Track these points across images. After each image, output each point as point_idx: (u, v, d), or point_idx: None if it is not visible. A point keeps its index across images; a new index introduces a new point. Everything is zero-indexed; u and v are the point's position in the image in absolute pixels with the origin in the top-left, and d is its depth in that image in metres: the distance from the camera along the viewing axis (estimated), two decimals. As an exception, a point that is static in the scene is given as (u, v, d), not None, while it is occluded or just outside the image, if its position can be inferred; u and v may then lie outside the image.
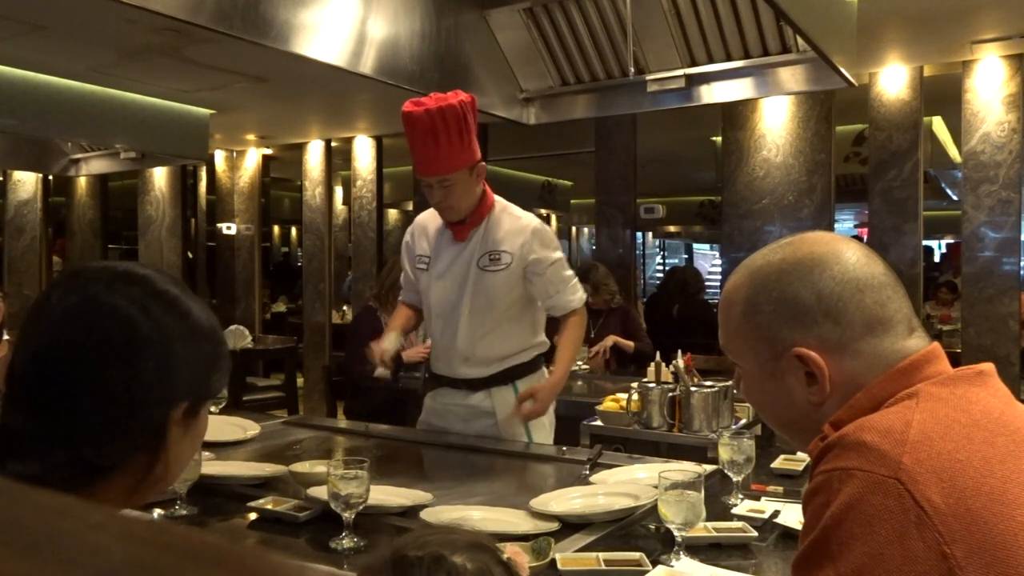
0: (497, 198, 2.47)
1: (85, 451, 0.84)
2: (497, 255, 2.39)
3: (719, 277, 6.97)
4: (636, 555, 1.46)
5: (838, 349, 0.89)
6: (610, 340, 4.30)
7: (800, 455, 2.15)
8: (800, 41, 2.99)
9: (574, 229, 12.76)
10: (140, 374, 0.85)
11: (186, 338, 0.88)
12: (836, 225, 5.53)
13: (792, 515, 1.63)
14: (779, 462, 2.14)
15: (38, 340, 0.86)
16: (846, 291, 0.90)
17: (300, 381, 6.90)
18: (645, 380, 2.78)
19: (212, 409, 2.44)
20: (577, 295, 2.47)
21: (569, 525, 1.62)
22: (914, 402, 0.84)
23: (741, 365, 0.99)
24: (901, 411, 0.83)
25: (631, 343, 4.36)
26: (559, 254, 2.45)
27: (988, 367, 0.91)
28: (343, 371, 4.45)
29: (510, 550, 1.27)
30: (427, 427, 2.59)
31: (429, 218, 2.54)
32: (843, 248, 0.93)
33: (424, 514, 1.63)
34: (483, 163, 2.37)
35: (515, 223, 2.41)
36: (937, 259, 9.50)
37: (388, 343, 2.43)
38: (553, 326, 2.59)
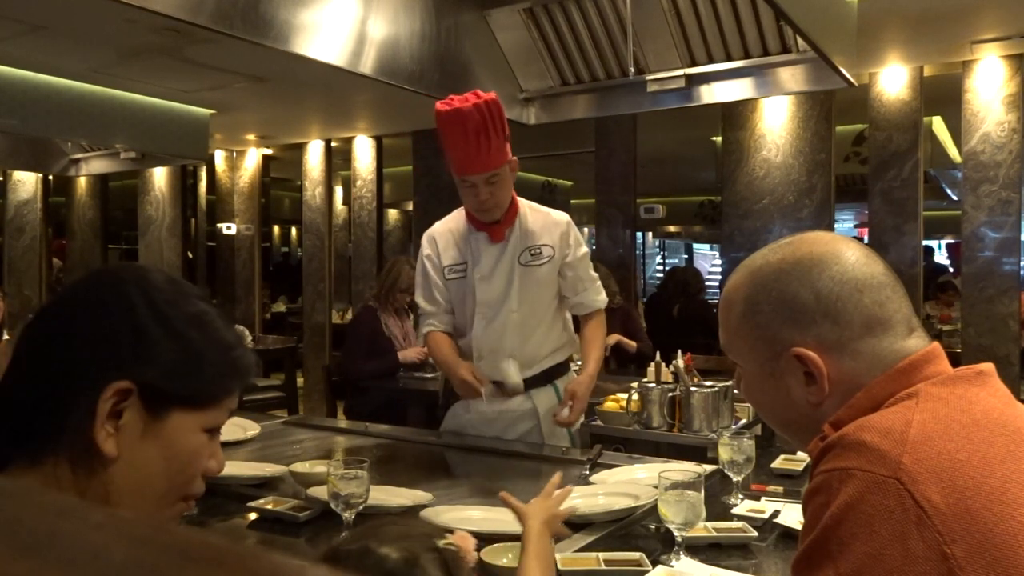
0: (516, 196, 2.49)
1: (20, 420, 0.79)
2: (538, 249, 2.41)
3: (719, 277, 6.98)
4: (636, 555, 1.46)
5: (837, 349, 0.89)
6: (613, 338, 4.30)
7: (800, 455, 2.15)
8: (800, 41, 2.99)
9: (574, 229, 12.74)
10: (85, 336, 0.80)
11: (153, 319, 0.82)
12: (836, 225, 5.53)
13: (792, 515, 1.63)
14: (779, 462, 2.14)
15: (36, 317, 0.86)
16: (845, 291, 0.90)
17: (300, 381, 6.90)
18: (645, 380, 2.77)
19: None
20: (602, 295, 2.52)
21: (569, 525, 1.62)
22: (914, 402, 0.84)
23: (741, 365, 0.99)
24: (901, 411, 0.83)
25: (633, 343, 4.37)
26: (587, 250, 2.52)
27: (988, 367, 0.91)
28: (340, 370, 4.45)
29: (457, 536, 1.29)
30: (457, 436, 2.51)
31: (451, 226, 2.50)
32: (842, 248, 0.93)
33: (424, 514, 1.63)
34: (515, 158, 2.36)
35: (547, 218, 2.45)
36: (948, 262, 9.43)
37: (473, 372, 2.37)
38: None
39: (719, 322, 1.01)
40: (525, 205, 2.47)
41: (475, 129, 2.18)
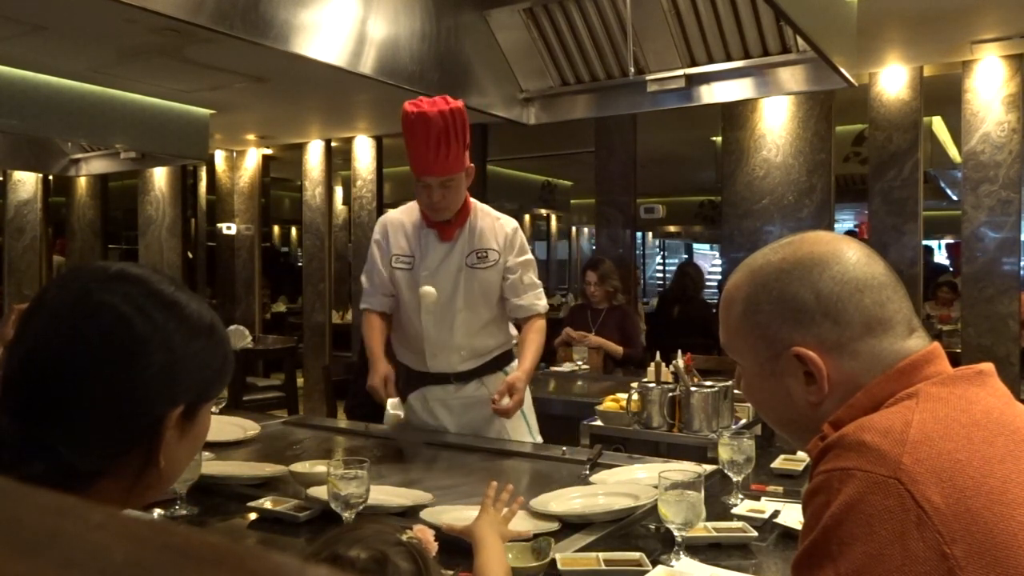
0: (470, 198, 2.54)
1: (70, 457, 0.80)
2: (484, 253, 2.47)
3: (719, 277, 6.98)
4: (636, 555, 1.46)
5: (837, 349, 0.89)
6: (595, 340, 4.28)
7: (800, 455, 2.15)
8: (800, 41, 2.99)
9: (574, 229, 12.75)
10: (133, 376, 0.81)
11: (183, 338, 0.85)
12: (836, 225, 5.53)
13: (792, 515, 1.63)
14: (779, 462, 2.14)
15: (29, 341, 0.83)
16: (845, 291, 0.90)
17: (300, 381, 6.89)
18: (645, 380, 2.78)
19: (212, 409, 2.43)
20: (542, 301, 2.56)
21: (569, 525, 1.62)
22: (914, 402, 0.84)
23: (741, 364, 0.99)
24: (901, 411, 0.83)
25: (620, 349, 4.32)
26: (531, 257, 2.59)
27: (988, 367, 0.91)
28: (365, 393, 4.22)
29: (417, 530, 1.35)
30: (415, 426, 2.59)
31: (403, 216, 2.55)
32: (843, 248, 0.93)
33: (424, 514, 1.63)
34: (472, 164, 2.44)
35: (495, 222, 2.52)
36: (948, 262, 9.42)
37: (387, 381, 2.40)
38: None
39: (719, 321, 1.01)
40: (477, 207, 2.53)
41: (437, 135, 2.27)
